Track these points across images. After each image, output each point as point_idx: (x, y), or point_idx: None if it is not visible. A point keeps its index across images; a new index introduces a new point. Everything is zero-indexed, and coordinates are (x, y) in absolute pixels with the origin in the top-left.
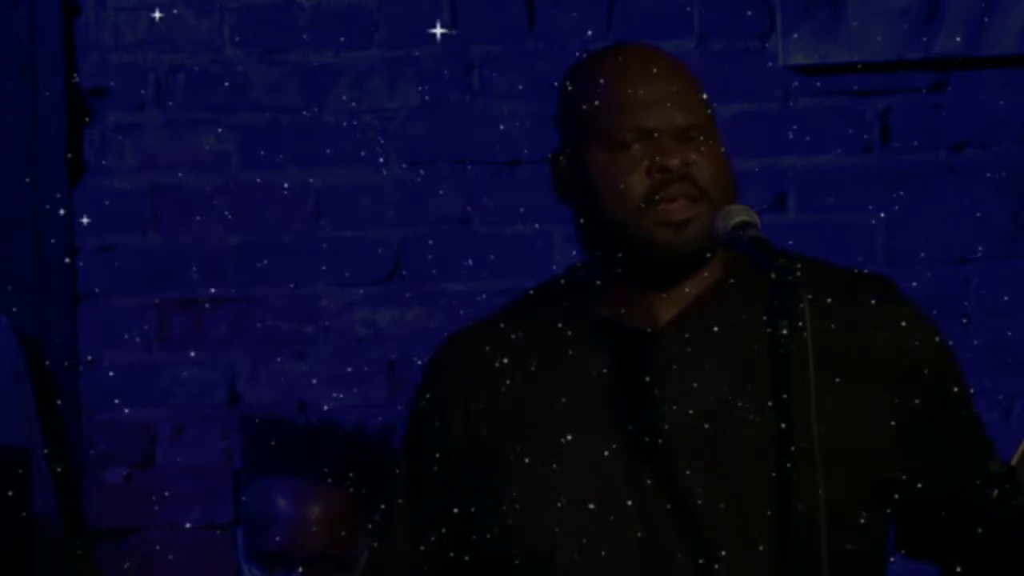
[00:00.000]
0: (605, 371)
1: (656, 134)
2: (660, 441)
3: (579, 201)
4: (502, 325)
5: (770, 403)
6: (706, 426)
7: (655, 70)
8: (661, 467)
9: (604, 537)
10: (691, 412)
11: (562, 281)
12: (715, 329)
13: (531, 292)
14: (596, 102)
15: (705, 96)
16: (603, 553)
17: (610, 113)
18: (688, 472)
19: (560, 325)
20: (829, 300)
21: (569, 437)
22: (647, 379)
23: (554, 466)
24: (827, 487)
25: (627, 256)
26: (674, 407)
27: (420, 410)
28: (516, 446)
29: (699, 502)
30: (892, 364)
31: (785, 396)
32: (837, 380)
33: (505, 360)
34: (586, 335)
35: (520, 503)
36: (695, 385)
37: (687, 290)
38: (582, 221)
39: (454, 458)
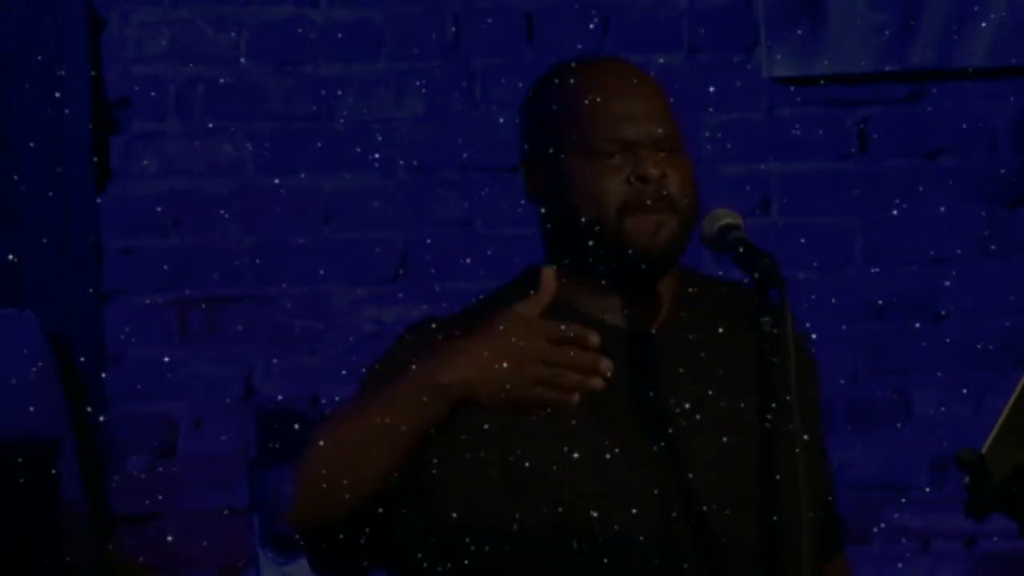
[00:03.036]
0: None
1: (636, 145)
2: (662, 444)
3: (554, 205)
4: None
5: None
6: (709, 432)
7: (633, 83)
8: (665, 470)
9: (609, 535)
10: (689, 412)
11: (526, 283)
12: (700, 333)
13: (495, 293)
14: (577, 113)
15: (672, 108)
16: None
17: (592, 124)
18: (691, 475)
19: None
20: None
21: (568, 443)
22: (644, 380)
23: (554, 467)
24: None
25: (603, 258)
26: (676, 409)
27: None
28: (518, 449)
29: (704, 508)
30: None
31: (774, 393)
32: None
33: None
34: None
35: (522, 504)
36: (692, 388)
37: (660, 294)
38: (552, 225)
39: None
